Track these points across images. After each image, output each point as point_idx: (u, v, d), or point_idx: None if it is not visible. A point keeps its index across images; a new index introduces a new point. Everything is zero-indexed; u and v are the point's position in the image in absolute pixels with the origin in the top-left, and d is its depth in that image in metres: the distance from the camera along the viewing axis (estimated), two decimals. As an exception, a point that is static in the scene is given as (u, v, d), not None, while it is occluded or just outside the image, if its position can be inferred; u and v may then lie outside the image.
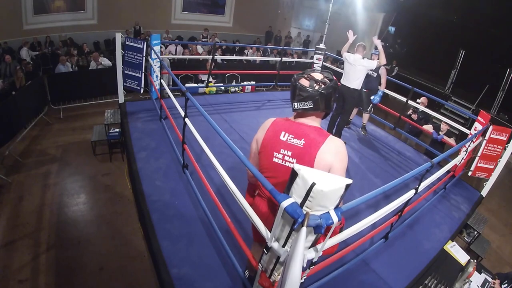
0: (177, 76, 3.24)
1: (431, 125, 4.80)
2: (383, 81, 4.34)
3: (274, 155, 1.37)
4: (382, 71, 4.31)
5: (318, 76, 1.37)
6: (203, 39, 10.42)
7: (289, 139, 1.33)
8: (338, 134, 4.03)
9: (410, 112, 5.04)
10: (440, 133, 4.49)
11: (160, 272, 1.98)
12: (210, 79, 5.81)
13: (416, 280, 2.32)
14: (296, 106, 1.35)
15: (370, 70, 3.94)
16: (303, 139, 1.31)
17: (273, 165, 1.38)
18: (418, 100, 5.01)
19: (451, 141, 4.35)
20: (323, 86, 1.32)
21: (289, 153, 1.33)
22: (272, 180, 1.35)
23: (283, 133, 1.35)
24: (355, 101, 4.03)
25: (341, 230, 1.60)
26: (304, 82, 1.35)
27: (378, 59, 4.01)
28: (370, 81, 4.28)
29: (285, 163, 1.34)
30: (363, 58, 3.84)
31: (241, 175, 2.01)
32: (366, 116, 4.68)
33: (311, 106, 1.32)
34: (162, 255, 2.06)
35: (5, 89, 5.74)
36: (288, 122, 1.40)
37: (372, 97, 4.33)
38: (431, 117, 5.31)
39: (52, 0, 8.82)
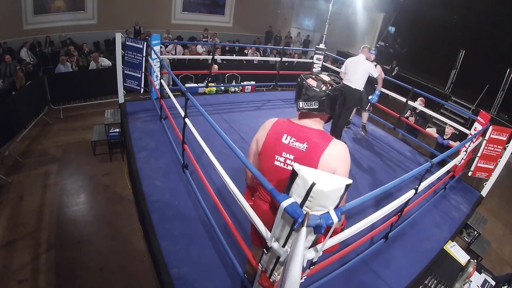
0: (177, 76, 3.24)
1: (435, 129, 4.73)
2: (380, 80, 4.35)
3: (276, 158, 1.34)
4: (379, 70, 4.30)
5: (325, 78, 1.35)
6: (203, 39, 10.42)
7: (291, 142, 1.30)
8: (338, 134, 4.04)
9: (407, 114, 5.02)
10: (444, 137, 4.39)
11: (160, 272, 1.98)
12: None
13: (416, 280, 2.32)
14: (301, 106, 1.32)
15: (370, 74, 3.99)
16: (305, 143, 1.28)
17: (274, 169, 1.36)
18: (416, 102, 4.99)
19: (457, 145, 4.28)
20: (330, 87, 1.31)
21: (291, 157, 1.30)
22: (273, 183, 1.32)
23: (285, 135, 1.32)
24: (356, 101, 4.06)
25: (342, 230, 1.60)
26: (312, 82, 1.33)
27: (373, 60, 4.07)
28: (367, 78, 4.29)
29: (286, 166, 1.32)
30: (366, 59, 3.88)
31: (241, 175, 2.01)
32: (365, 115, 4.68)
33: (316, 106, 1.30)
34: (162, 255, 2.06)
35: (5, 89, 5.74)
36: (291, 123, 1.36)
37: (370, 97, 4.34)
38: (430, 117, 5.29)
39: (52, 0, 8.83)
